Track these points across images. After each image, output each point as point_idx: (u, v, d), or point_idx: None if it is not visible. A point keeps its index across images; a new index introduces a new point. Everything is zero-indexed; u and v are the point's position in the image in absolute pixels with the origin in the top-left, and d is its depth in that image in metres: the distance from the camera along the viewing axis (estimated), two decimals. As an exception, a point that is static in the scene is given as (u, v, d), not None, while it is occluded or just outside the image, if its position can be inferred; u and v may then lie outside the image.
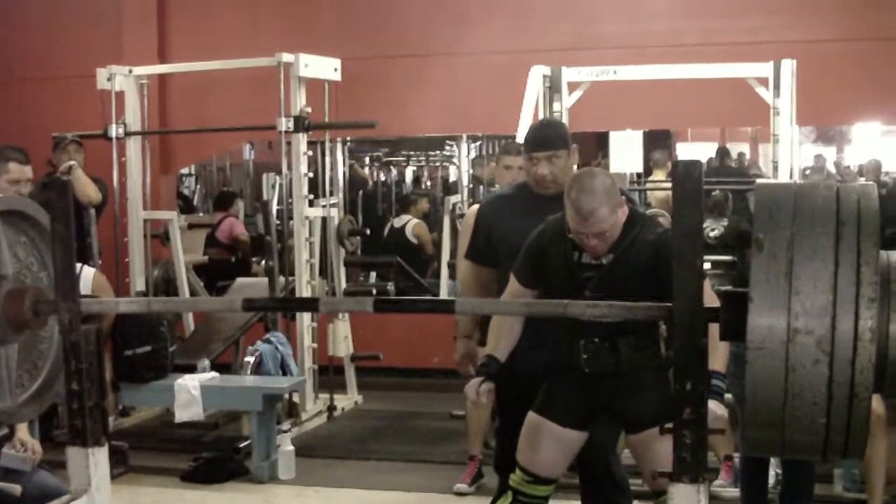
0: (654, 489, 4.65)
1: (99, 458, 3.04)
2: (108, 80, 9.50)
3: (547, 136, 5.09)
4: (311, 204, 9.23)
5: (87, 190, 8.50)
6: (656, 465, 4.40)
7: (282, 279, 9.17)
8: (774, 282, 2.30)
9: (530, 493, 4.72)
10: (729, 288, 2.57)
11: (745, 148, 19.15)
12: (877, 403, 6.01)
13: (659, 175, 12.23)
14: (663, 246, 4.35)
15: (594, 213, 4.29)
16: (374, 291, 10.50)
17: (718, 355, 4.47)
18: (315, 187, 9.56)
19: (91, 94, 9.64)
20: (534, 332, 4.75)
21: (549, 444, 4.66)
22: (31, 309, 3.04)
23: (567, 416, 4.65)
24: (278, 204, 9.97)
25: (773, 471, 6.61)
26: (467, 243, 5.60)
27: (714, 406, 4.44)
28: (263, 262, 10.87)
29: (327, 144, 9.93)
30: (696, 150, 16.80)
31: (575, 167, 5.16)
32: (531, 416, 4.72)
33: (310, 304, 2.48)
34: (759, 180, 2.61)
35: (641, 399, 4.56)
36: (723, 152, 16.34)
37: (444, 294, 10.19)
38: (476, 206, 6.47)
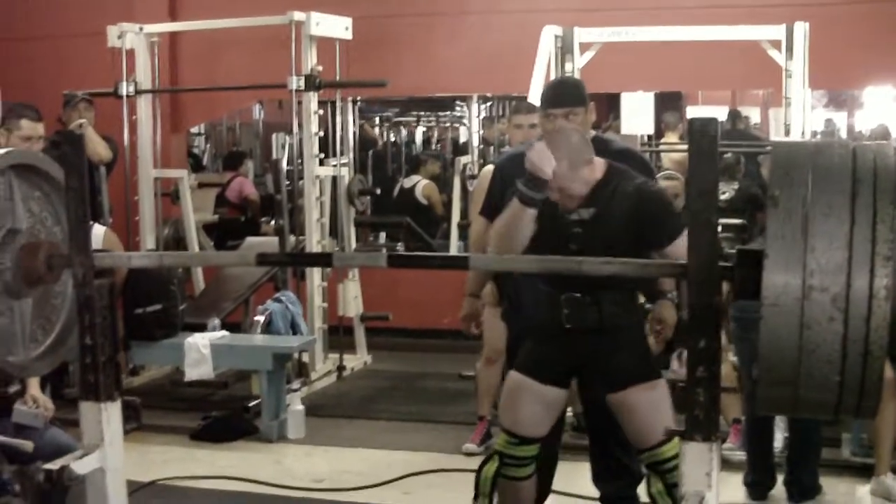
0: (638, 447, 4.67)
1: (111, 413, 3.05)
2: (119, 37, 9.47)
3: (564, 92, 5.03)
4: (321, 163, 9.22)
5: (98, 148, 8.50)
6: (640, 423, 4.57)
7: (292, 238, 9.17)
8: (790, 238, 2.30)
9: (516, 455, 4.71)
10: (743, 247, 2.55)
11: (755, 112, 19.06)
12: (886, 368, 6.01)
13: (671, 137, 12.17)
14: (643, 194, 4.53)
15: (559, 166, 4.32)
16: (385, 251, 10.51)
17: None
18: (325, 147, 9.54)
19: (102, 52, 9.62)
20: (540, 291, 4.73)
21: (530, 402, 4.66)
22: (45, 263, 3.04)
23: (547, 373, 4.65)
24: (288, 164, 9.97)
25: (781, 434, 6.62)
26: (482, 201, 5.60)
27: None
28: (273, 221, 10.88)
29: (338, 104, 9.89)
30: (706, 113, 16.72)
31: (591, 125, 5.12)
32: (511, 375, 4.77)
33: (323, 259, 2.48)
34: (774, 139, 2.59)
35: (622, 357, 4.58)
36: (734, 115, 16.26)
37: (453, 255, 10.19)
38: (491, 166, 6.48)
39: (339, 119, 9.93)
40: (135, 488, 6.17)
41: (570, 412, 6.62)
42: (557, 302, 4.56)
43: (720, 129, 13.10)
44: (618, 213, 4.46)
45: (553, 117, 4.91)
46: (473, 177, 10.00)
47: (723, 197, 8.98)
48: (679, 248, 4.22)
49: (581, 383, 4.94)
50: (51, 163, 3.22)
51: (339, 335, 9.51)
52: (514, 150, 5.86)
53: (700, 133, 2.47)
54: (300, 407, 7.80)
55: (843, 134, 18.70)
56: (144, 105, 9.75)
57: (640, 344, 4.72)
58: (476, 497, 4.87)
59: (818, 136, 16.59)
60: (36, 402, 5.26)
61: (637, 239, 4.41)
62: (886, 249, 2.30)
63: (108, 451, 3.03)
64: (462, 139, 17.07)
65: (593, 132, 5.15)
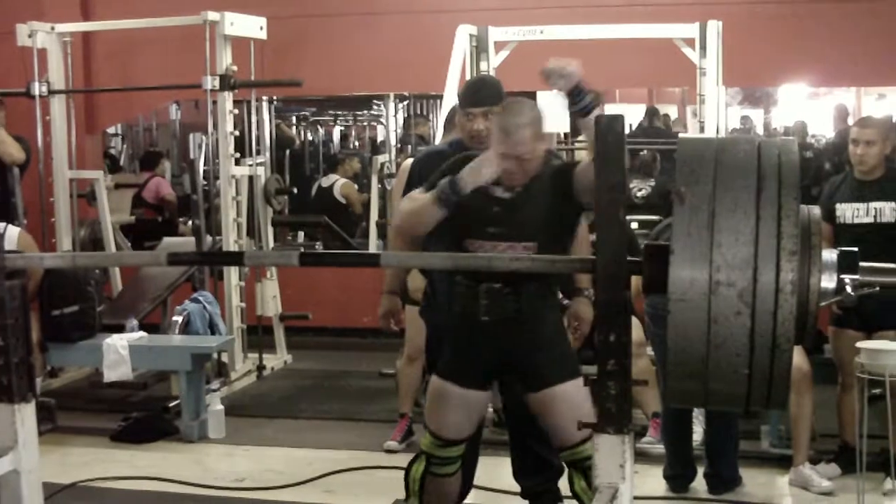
0: (558, 445, 4.71)
1: (25, 415, 3.03)
2: (30, 36, 9.34)
3: (483, 92, 5.05)
4: (237, 163, 9.19)
5: (10, 149, 8.42)
6: (560, 421, 4.53)
7: (209, 238, 9.13)
8: (696, 234, 2.33)
9: (442, 456, 4.75)
10: (650, 242, 2.58)
11: (672, 109, 19.24)
12: (802, 360, 6.10)
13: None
14: (559, 174, 4.46)
15: (518, 130, 4.28)
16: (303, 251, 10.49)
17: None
18: (242, 147, 9.50)
19: (12, 51, 9.49)
20: (457, 283, 4.67)
21: (453, 407, 4.65)
22: (-46, 265, 3.01)
23: (468, 378, 4.60)
24: (205, 164, 9.91)
25: (700, 427, 6.69)
26: (400, 194, 5.60)
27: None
28: (190, 221, 10.81)
29: (253, 104, 9.87)
30: (624, 112, 16.82)
31: None
32: (434, 380, 4.73)
33: (235, 258, 2.46)
34: (681, 135, 2.64)
35: (541, 356, 4.55)
36: (651, 112, 16.40)
37: (372, 254, 10.19)
38: (410, 160, 6.51)
39: (255, 119, 9.90)
40: (54, 490, 6.16)
41: (490, 408, 6.64)
42: (475, 293, 4.46)
43: (639, 127, 13.23)
44: (536, 195, 4.40)
45: (472, 116, 4.96)
46: (392, 176, 9.99)
47: (639, 194, 9.05)
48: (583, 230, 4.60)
49: (501, 382, 4.93)
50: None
51: (258, 335, 9.48)
52: (431, 147, 5.90)
53: (607, 130, 2.50)
54: (220, 407, 7.77)
55: (760, 131, 18.93)
56: (58, 105, 9.63)
57: (560, 342, 4.67)
58: (407, 497, 4.91)
59: (734, 133, 16.80)
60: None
61: (561, 220, 4.43)
62: (791, 244, 2.35)
63: (23, 453, 3.01)
64: (380, 138, 17.06)
65: None
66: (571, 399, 4.47)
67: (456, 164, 4.45)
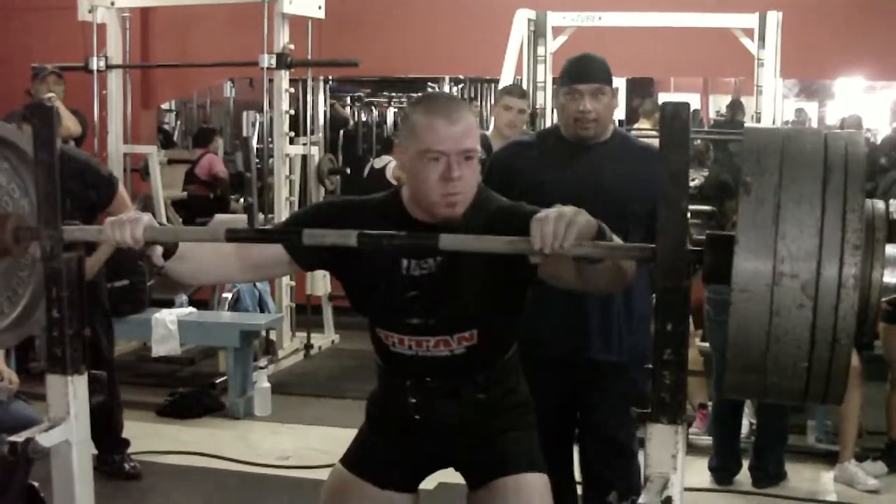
0: None
1: (78, 386, 3.03)
2: (90, 11, 9.42)
3: (593, 67, 4.34)
4: (291, 142, 9.22)
5: (67, 122, 8.44)
6: None
7: (261, 216, 9.16)
8: (761, 225, 2.30)
9: None
10: (714, 231, 2.56)
11: (726, 99, 19.13)
12: (852, 356, 6.05)
13: (645, 124, 12.19)
14: (502, 222, 3.04)
15: (462, 119, 3.05)
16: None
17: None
18: (296, 126, 9.53)
19: (73, 26, 9.56)
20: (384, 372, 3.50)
21: None
22: (12, 235, 3.01)
23: (388, 476, 3.46)
24: (258, 142, 9.95)
25: (747, 420, 6.66)
26: None
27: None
28: (242, 199, 10.84)
29: (309, 83, 9.89)
30: (679, 99, 16.75)
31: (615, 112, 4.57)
32: (338, 471, 3.58)
33: (293, 236, 2.46)
34: (747, 125, 2.61)
35: (495, 446, 3.37)
36: (735, 105, 16.20)
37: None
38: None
39: (309, 98, 9.92)
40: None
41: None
42: (403, 389, 3.35)
43: (724, 120, 13.10)
44: (467, 256, 3.01)
45: (578, 94, 4.25)
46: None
47: (692, 184, 9.00)
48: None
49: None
50: (19, 134, 3.19)
51: (306, 314, 9.50)
52: (516, 139, 5.18)
53: (672, 117, 2.47)
54: (266, 384, 7.81)
55: (814, 124, 18.78)
56: (115, 80, 9.70)
57: (518, 431, 3.41)
58: None
59: (789, 125, 16.66)
60: (0, 375, 5.24)
61: (508, 286, 3.13)
62: (855, 238, 2.32)
63: (75, 424, 3.02)
64: (434, 121, 16.99)
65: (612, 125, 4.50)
66: (529, 497, 3.32)
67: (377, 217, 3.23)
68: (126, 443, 6.57)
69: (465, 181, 3.04)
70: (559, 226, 2.59)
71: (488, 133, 6.97)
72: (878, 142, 15.35)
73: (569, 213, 2.62)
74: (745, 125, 2.46)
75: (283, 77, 8.92)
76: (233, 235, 2.89)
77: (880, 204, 2.54)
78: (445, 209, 3.05)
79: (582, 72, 4.29)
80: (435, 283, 3.14)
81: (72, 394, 3.02)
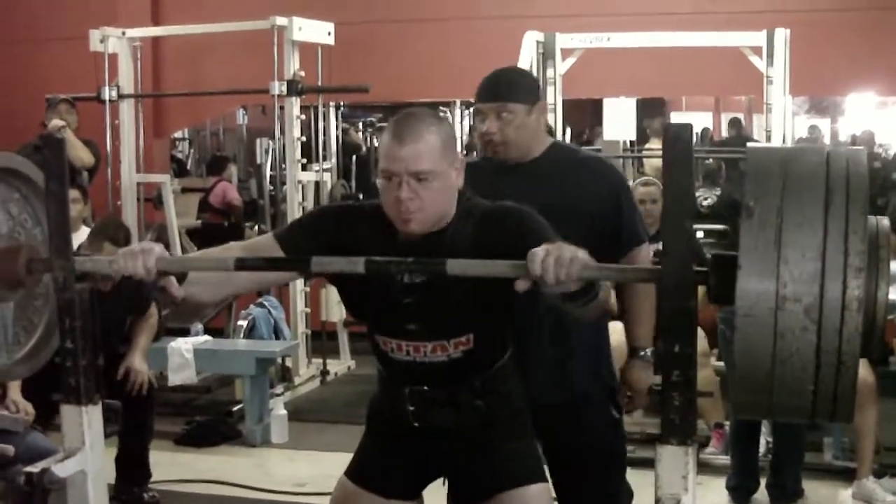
0: None
1: (92, 416, 3.05)
2: (102, 41, 9.48)
3: (499, 84, 3.89)
4: (303, 168, 9.24)
5: (80, 153, 8.50)
6: None
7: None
8: (763, 249, 2.32)
9: None
10: (719, 252, 2.57)
11: (739, 118, 19.16)
12: (866, 372, 6.05)
13: (656, 143, 12.23)
14: (491, 227, 3.18)
15: (416, 140, 3.05)
16: (367, 257, 10.50)
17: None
18: (308, 152, 9.55)
19: (85, 57, 9.63)
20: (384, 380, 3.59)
21: None
22: (24, 267, 3.03)
23: (392, 485, 3.52)
24: (271, 169, 10.00)
25: (764, 439, 6.65)
26: None
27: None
28: (256, 226, 10.88)
29: (320, 109, 9.91)
30: (690, 120, 16.77)
31: (542, 128, 4.03)
32: (343, 483, 3.59)
33: (301, 263, 2.47)
34: (749, 145, 2.62)
35: (493, 456, 3.39)
36: (736, 123, 16.24)
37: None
38: None
39: (321, 124, 9.95)
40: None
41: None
42: (401, 396, 3.41)
43: (728, 139, 13.16)
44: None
45: (482, 115, 3.86)
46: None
47: (705, 203, 9.02)
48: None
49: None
50: (30, 166, 3.22)
51: (322, 340, 9.51)
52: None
53: (675, 138, 2.49)
54: (283, 411, 7.81)
55: (827, 140, 18.80)
56: (127, 109, 9.74)
57: (516, 441, 3.44)
58: None
59: (800, 143, 16.67)
60: (16, 406, 5.26)
61: (500, 290, 2.96)
62: (858, 261, 2.33)
63: (90, 454, 3.04)
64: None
65: (551, 139, 4.12)
66: None
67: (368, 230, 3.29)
68: (149, 474, 6.59)
69: (418, 201, 3.07)
70: (561, 266, 2.66)
71: None
72: (891, 157, 15.38)
73: (569, 252, 2.68)
74: (748, 145, 2.46)
75: (294, 104, 8.96)
76: (241, 264, 2.91)
77: (885, 220, 2.56)
78: (402, 225, 3.13)
79: (483, 90, 3.90)
80: (431, 288, 3.15)
81: (86, 423, 3.04)
